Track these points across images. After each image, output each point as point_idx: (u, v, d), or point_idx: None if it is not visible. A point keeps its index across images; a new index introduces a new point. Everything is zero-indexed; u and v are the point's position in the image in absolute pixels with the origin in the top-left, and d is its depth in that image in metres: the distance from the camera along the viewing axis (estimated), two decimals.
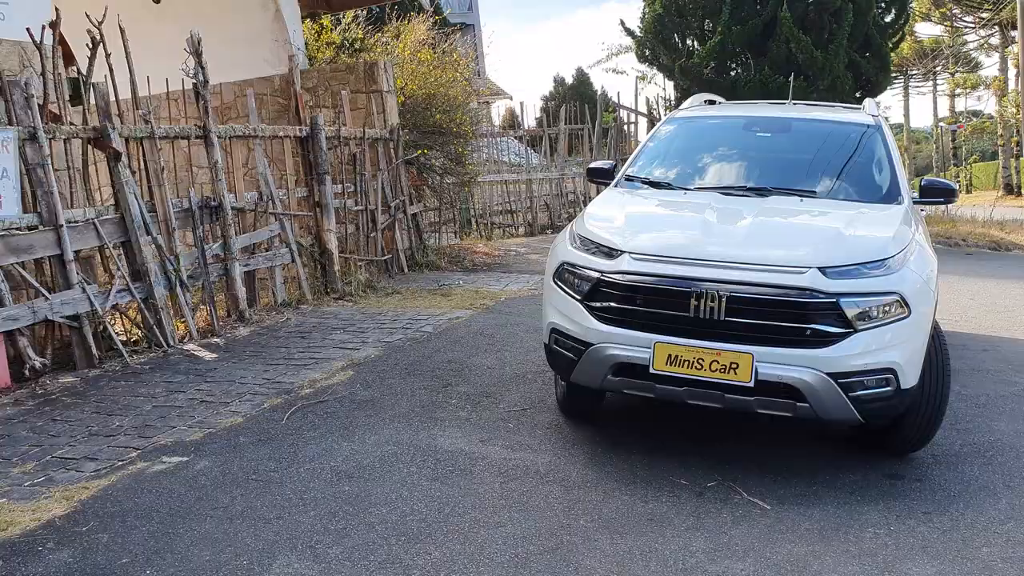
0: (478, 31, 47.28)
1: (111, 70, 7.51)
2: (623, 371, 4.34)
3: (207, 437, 4.93)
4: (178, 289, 7.46)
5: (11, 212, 5.98)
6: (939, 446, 4.88)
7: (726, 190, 5.15)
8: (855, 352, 4.02)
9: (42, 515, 3.92)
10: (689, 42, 18.22)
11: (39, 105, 6.75)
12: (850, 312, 4.01)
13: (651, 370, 4.22)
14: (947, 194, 5.22)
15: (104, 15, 7.71)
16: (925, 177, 5.41)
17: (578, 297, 4.51)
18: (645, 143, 6.00)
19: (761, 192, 5.11)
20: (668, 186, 5.39)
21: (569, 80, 49.18)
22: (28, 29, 6.72)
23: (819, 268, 4.08)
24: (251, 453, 4.67)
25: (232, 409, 5.42)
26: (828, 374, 4.00)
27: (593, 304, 4.43)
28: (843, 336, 4.01)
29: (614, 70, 27.94)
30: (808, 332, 4.02)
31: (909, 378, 4.17)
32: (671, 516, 3.94)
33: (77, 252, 6.96)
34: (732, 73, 16.93)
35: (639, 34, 18.37)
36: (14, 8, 7.34)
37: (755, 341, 4.06)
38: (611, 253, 4.46)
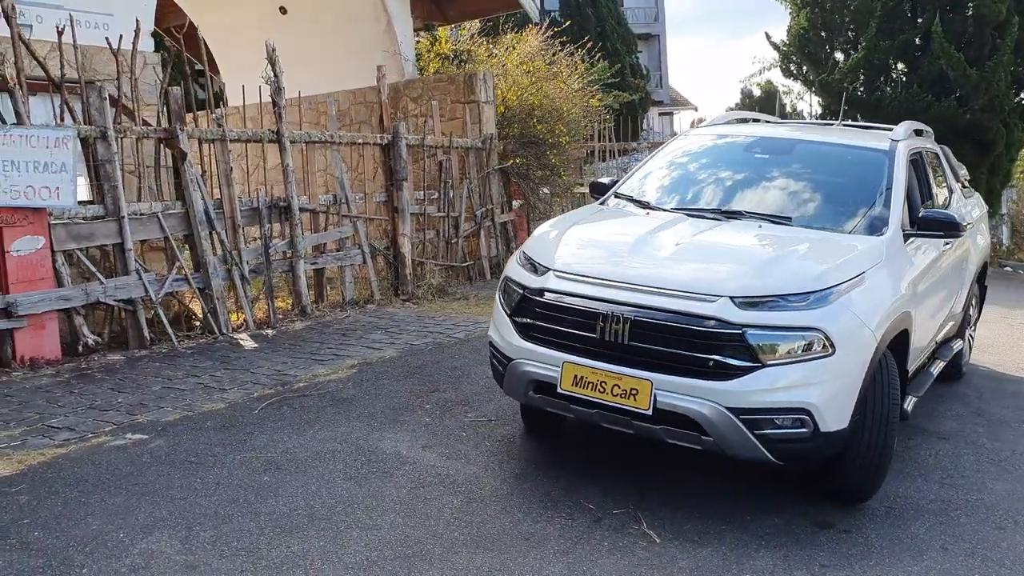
0: (662, 41, 46.92)
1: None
2: (541, 389, 4.30)
3: (181, 419, 5.29)
4: (238, 282, 7.99)
5: (68, 203, 6.63)
6: (908, 498, 4.50)
7: (697, 212, 4.96)
8: (760, 388, 3.79)
9: None
10: (838, 56, 17.35)
11: (122, 107, 7.48)
12: (756, 345, 3.80)
13: (558, 390, 4.16)
14: (947, 227, 4.79)
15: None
16: (924, 209, 4.98)
17: (507, 312, 4.51)
18: (647, 159, 5.87)
19: (734, 215, 4.89)
20: (646, 204, 5.26)
21: (757, 93, 47.88)
22: (107, 38, 7.40)
23: (731, 297, 3.88)
24: (205, 437, 4.98)
25: (223, 396, 5.78)
26: (729, 408, 3.79)
27: (517, 319, 4.42)
28: (748, 370, 3.80)
29: (758, 85, 26.75)
30: (711, 363, 3.84)
31: (831, 421, 3.88)
32: (549, 539, 3.88)
33: (143, 242, 7.64)
34: (879, 92, 15.94)
35: (783, 48, 17.67)
36: (118, 19, 8.14)
37: (658, 368, 3.92)
38: (538, 269, 4.44)
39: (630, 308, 3.99)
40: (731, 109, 50.57)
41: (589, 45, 14.20)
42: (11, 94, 6.56)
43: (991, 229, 17.78)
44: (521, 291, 4.42)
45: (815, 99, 18.32)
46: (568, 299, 4.19)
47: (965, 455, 5.23)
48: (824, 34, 17.00)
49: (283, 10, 12.45)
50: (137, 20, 7.54)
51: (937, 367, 5.78)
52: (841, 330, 3.88)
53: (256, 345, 7.39)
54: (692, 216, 4.90)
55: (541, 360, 4.25)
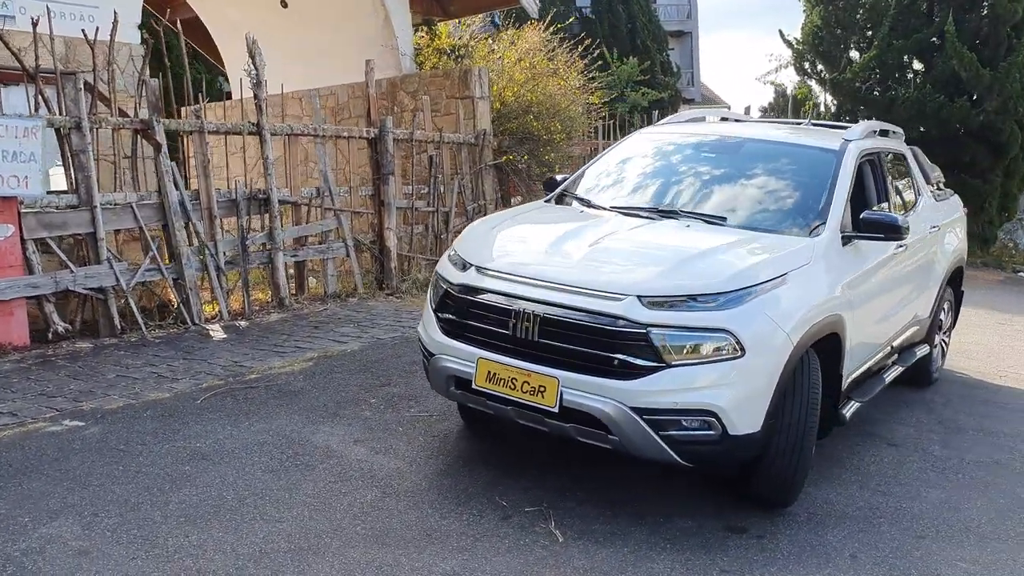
0: (695, 39, 46.53)
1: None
2: (461, 384, 4.28)
3: (123, 407, 5.34)
4: (213, 272, 8.05)
5: (36, 192, 6.72)
6: (836, 504, 4.43)
7: (632, 210, 4.91)
8: (663, 388, 3.74)
9: None
10: (854, 54, 17.07)
11: (102, 97, 7.58)
12: (661, 345, 3.75)
13: (473, 386, 4.14)
14: (887, 230, 4.68)
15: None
16: (867, 211, 4.87)
17: (432, 307, 4.50)
18: (598, 157, 5.82)
19: (668, 214, 4.83)
20: (587, 202, 5.21)
21: (771, 91, 47.33)
22: (83, 30, 7.49)
23: (639, 296, 3.83)
24: (141, 426, 5.03)
25: (172, 385, 5.83)
26: (632, 408, 3.75)
27: (439, 315, 4.41)
28: (653, 370, 3.75)
29: (772, 83, 26.30)
30: (615, 362, 3.79)
31: (740, 424, 3.82)
32: (451, 536, 3.86)
33: (118, 232, 7.73)
34: (892, 92, 15.64)
35: (797, 45, 17.41)
36: (103, 12, 8.22)
37: (565, 366, 3.88)
38: (463, 266, 4.42)
39: (540, 305, 3.96)
40: (764, 108, 50.07)
41: (613, 43, 14.11)
42: None
43: (1007, 233, 17.40)
44: (445, 287, 4.41)
45: (830, 99, 18.03)
46: (484, 295, 4.17)
47: (910, 462, 5.14)
48: (839, 31, 16.73)
49: (284, 4, 12.52)
50: (115, 12, 7.63)
51: (893, 373, 5.67)
52: (752, 332, 3.82)
53: (225, 336, 7.44)
54: (626, 215, 4.85)
55: (459, 356, 4.23)
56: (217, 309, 8.10)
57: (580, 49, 13.04)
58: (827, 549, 3.92)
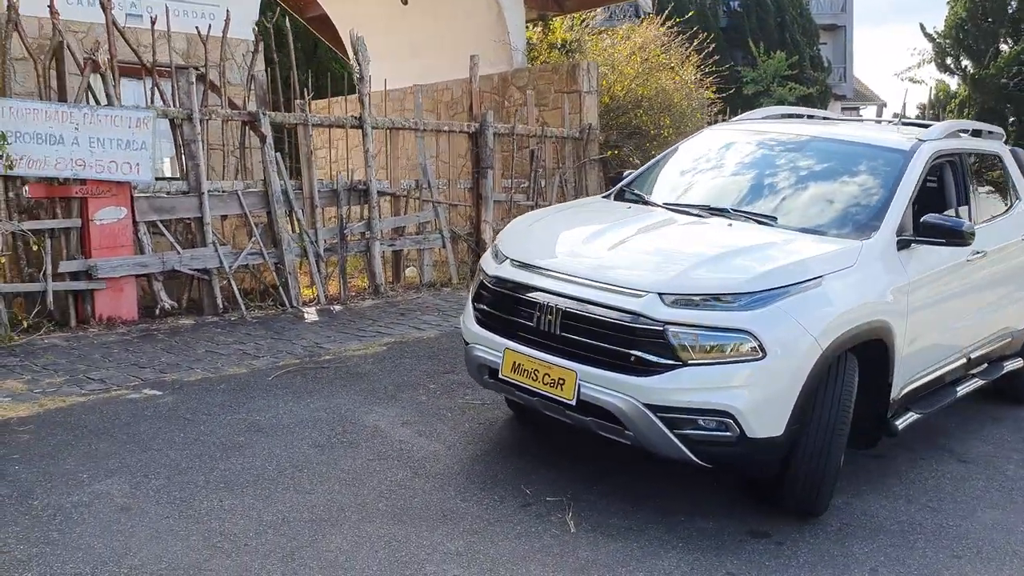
0: (848, 33, 44.75)
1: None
2: (492, 374, 4.39)
3: (201, 380, 5.74)
4: (312, 258, 8.46)
5: (146, 178, 7.27)
6: (874, 516, 4.24)
7: (681, 208, 4.86)
8: (679, 387, 3.72)
9: (10, 414, 4.93)
10: (1004, 47, 16.02)
11: (213, 89, 8.11)
12: (677, 343, 3.73)
13: (500, 375, 4.24)
14: (948, 234, 4.45)
15: None
16: (929, 214, 4.64)
17: (471, 298, 4.63)
18: (666, 153, 5.78)
19: (719, 212, 4.76)
20: (641, 198, 5.20)
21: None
22: (197, 27, 8.01)
23: (659, 294, 3.81)
24: (212, 398, 5.39)
25: (252, 362, 6.20)
26: (646, 405, 3.75)
27: (476, 305, 4.53)
28: (669, 368, 3.73)
29: (912, 80, 24.81)
30: (632, 358, 3.80)
31: (758, 427, 3.75)
32: (467, 518, 3.97)
33: (224, 217, 8.24)
34: None
35: (938, 39, 16.49)
36: (223, 8, 8.76)
37: (584, 360, 3.92)
38: (499, 257, 4.52)
39: (563, 299, 4.01)
40: (922, 106, 47.41)
41: (761, 36, 13.82)
42: (103, 78, 7.25)
43: None
44: (481, 278, 4.53)
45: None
46: (512, 287, 4.26)
47: (975, 480, 4.86)
48: (987, 23, 15.72)
49: (404, 0, 12.91)
50: (228, 11, 8.11)
51: (969, 386, 5.38)
52: (775, 334, 3.74)
53: (317, 319, 7.82)
54: (676, 212, 4.82)
55: (490, 346, 4.34)
56: (315, 293, 8.50)
57: (695, 43, 12.82)
58: (848, 561, 3.80)
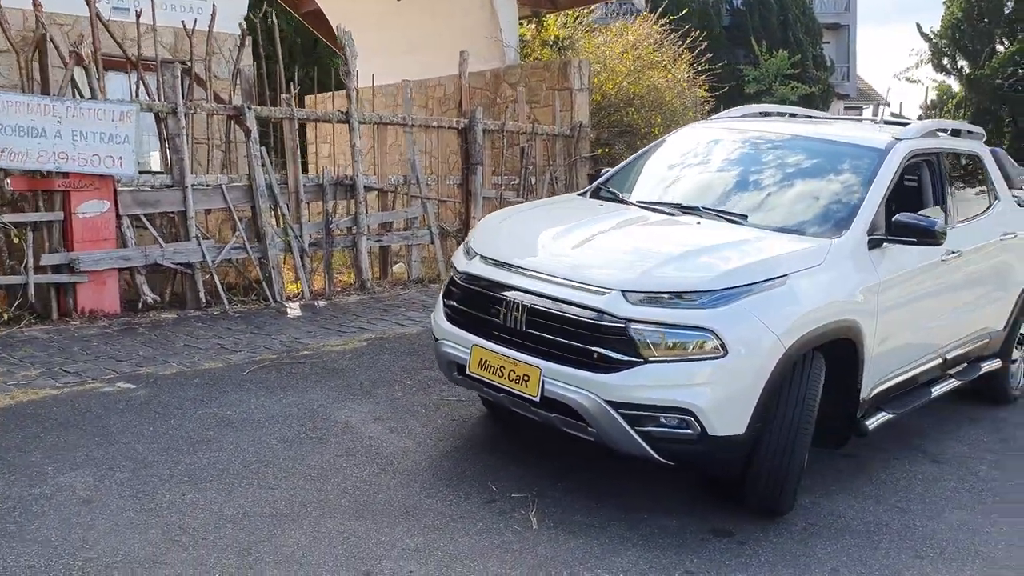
0: (852, 32, 44.65)
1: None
2: (461, 370, 4.38)
3: (176, 374, 5.73)
4: (297, 253, 8.46)
5: (129, 171, 7.26)
6: (841, 516, 4.22)
7: (653, 206, 4.85)
8: (640, 384, 3.71)
9: None
10: (1000, 48, 15.97)
11: (199, 83, 8.10)
12: (639, 340, 3.72)
13: (467, 371, 4.24)
14: (920, 234, 4.43)
15: None
16: (900, 214, 4.62)
17: (442, 294, 4.62)
18: (642, 152, 5.76)
19: (691, 211, 4.75)
20: (615, 196, 5.18)
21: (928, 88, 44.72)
22: (183, 21, 8.01)
23: (622, 291, 3.81)
24: (185, 392, 5.38)
25: (229, 357, 6.19)
26: (608, 401, 3.74)
27: (445, 302, 4.53)
28: (630, 365, 3.73)
29: (908, 79, 24.66)
30: (595, 355, 3.79)
31: (719, 425, 3.74)
32: (429, 514, 3.96)
33: (210, 212, 8.23)
34: None
35: (934, 39, 16.44)
36: (211, 4, 8.75)
37: (548, 356, 3.91)
38: (470, 254, 4.51)
39: (528, 295, 4.00)
40: (925, 106, 47.26)
41: (763, 35, 13.79)
42: (87, 71, 7.24)
43: None
44: (452, 274, 4.52)
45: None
46: (480, 283, 4.25)
47: (946, 481, 4.85)
48: (983, 23, 15.67)
49: None
50: (214, 5, 8.10)
51: (944, 387, 5.36)
52: (737, 333, 3.73)
53: (300, 314, 7.82)
54: (647, 210, 4.81)
55: (458, 342, 4.33)
56: (300, 288, 8.50)
57: (689, 41, 12.80)
58: (810, 561, 3.78)
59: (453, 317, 4.42)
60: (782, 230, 4.47)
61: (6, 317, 6.79)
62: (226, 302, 7.80)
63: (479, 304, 4.24)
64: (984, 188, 5.87)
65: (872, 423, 4.62)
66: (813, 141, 5.19)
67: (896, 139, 5.03)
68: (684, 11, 15.39)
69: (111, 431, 4.70)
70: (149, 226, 7.57)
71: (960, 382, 5.54)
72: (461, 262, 4.52)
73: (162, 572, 3.35)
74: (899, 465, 5.02)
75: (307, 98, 14.16)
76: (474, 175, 9.90)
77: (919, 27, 16.51)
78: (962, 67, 16.28)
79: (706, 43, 12.94)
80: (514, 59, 12.33)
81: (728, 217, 4.63)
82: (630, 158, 5.74)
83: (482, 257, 4.39)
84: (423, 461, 4.57)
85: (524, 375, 3.97)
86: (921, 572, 3.78)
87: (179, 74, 7.69)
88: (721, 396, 3.74)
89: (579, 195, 5.48)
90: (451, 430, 5.03)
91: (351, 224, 8.90)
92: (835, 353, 4.19)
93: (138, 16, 7.71)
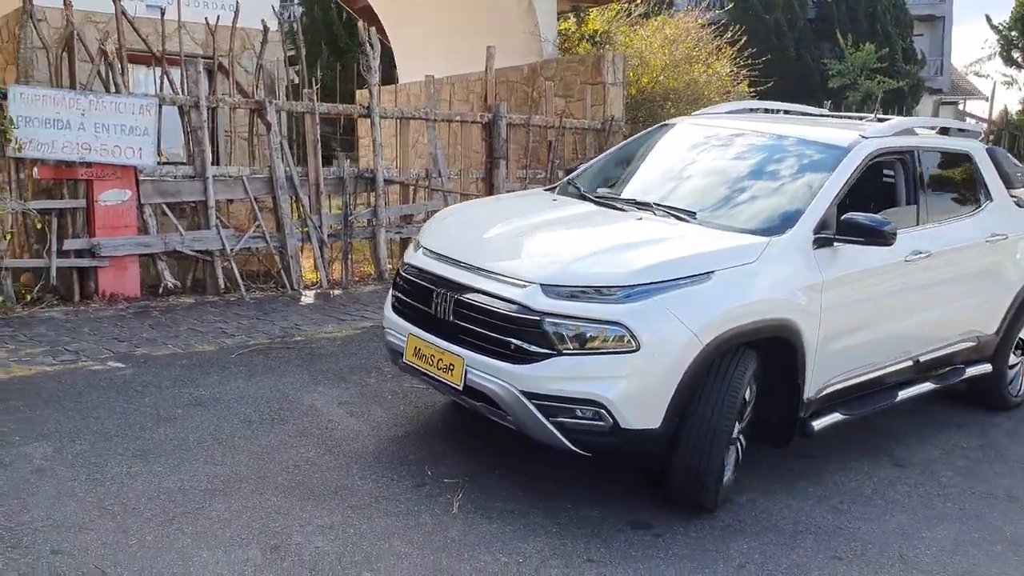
0: (947, 24, 43.13)
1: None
2: (400, 358, 4.53)
3: (168, 355, 6.03)
4: (315, 243, 8.73)
5: (149, 162, 7.63)
6: (773, 515, 4.21)
7: (607, 200, 4.90)
8: (552, 375, 3.79)
9: None
10: None
11: (225, 77, 8.43)
12: (552, 333, 3.80)
13: (403, 359, 4.38)
14: (867, 234, 4.36)
15: None
16: (849, 213, 4.55)
17: (391, 285, 4.78)
18: (616, 147, 5.80)
19: (644, 207, 4.77)
20: (577, 192, 5.24)
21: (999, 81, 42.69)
22: (206, 18, 8.34)
23: (541, 285, 3.89)
24: (169, 372, 5.67)
25: (224, 341, 6.47)
26: (522, 392, 3.83)
27: (392, 292, 4.68)
28: (544, 357, 3.81)
29: (976, 73, 23.42)
30: (512, 347, 3.89)
31: (632, 419, 3.79)
32: (355, 494, 4.10)
33: (229, 201, 8.56)
34: None
35: (1003, 31, 15.78)
36: (244, 1, 9.08)
37: (472, 347, 4.03)
38: (417, 246, 4.65)
39: (456, 286, 4.12)
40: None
41: (850, 27, 13.54)
42: (111, 66, 7.63)
43: None
44: (399, 266, 4.67)
45: None
46: (418, 274, 4.39)
47: (901, 485, 4.76)
48: None
49: None
50: (237, 2, 8.41)
51: (915, 390, 5.25)
52: (650, 328, 3.77)
53: (312, 302, 8.08)
54: (599, 205, 4.86)
55: (398, 331, 4.48)
56: (318, 278, 8.77)
57: (731, 35, 12.64)
58: (718, 556, 3.80)
59: (397, 307, 4.57)
60: (726, 228, 4.47)
61: (29, 298, 7.23)
62: (243, 289, 8.11)
63: (417, 295, 4.37)
64: (972, 187, 5.71)
65: (821, 424, 4.58)
66: (785, 139, 5.14)
67: (862, 137, 4.96)
68: (731, 5, 15.12)
69: (86, 406, 5.00)
70: (170, 214, 7.93)
71: (936, 386, 5.42)
72: (409, 253, 4.67)
73: (85, 537, 3.59)
74: (857, 467, 4.95)
75: (358, 92, 14.49)
76: (497, 169, 10.01)
77: (988, 19, 15.85)
78: None
79: (744, 38, 12.71)
80: (552, 53, 12.38)
81: (676, 214, 4.65)
82: (604, 153, 5.79)
83: (425, 249, 4.52)
84: (371, 444, 4.73)
85: (450, 364, 4.09)
86: (831, 572, 3.76)
87: (202, 69, 8.02)
88: (633, 390, 3.79)
89: (547, 190, 5.55)
90: (410, 416, 5.18)
91: (371, 216, 9.12)
92: (773, 352, 4.19)
93: (163, 13, 8.07)
